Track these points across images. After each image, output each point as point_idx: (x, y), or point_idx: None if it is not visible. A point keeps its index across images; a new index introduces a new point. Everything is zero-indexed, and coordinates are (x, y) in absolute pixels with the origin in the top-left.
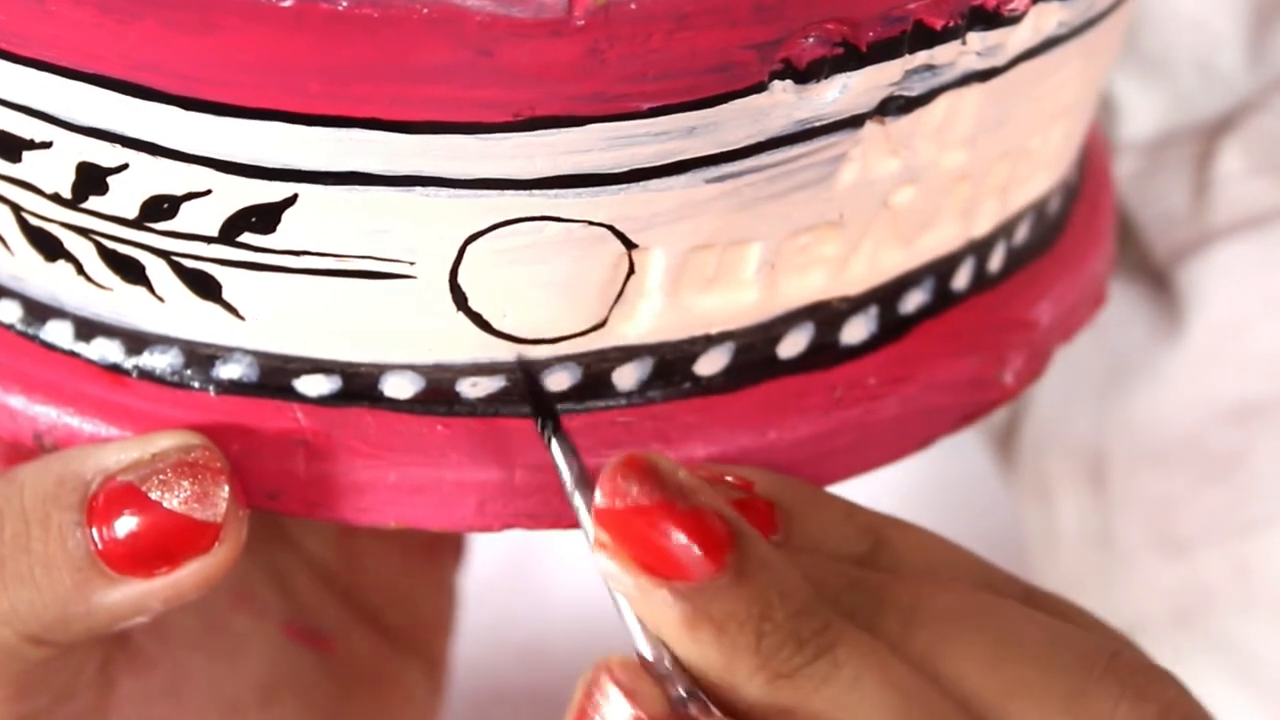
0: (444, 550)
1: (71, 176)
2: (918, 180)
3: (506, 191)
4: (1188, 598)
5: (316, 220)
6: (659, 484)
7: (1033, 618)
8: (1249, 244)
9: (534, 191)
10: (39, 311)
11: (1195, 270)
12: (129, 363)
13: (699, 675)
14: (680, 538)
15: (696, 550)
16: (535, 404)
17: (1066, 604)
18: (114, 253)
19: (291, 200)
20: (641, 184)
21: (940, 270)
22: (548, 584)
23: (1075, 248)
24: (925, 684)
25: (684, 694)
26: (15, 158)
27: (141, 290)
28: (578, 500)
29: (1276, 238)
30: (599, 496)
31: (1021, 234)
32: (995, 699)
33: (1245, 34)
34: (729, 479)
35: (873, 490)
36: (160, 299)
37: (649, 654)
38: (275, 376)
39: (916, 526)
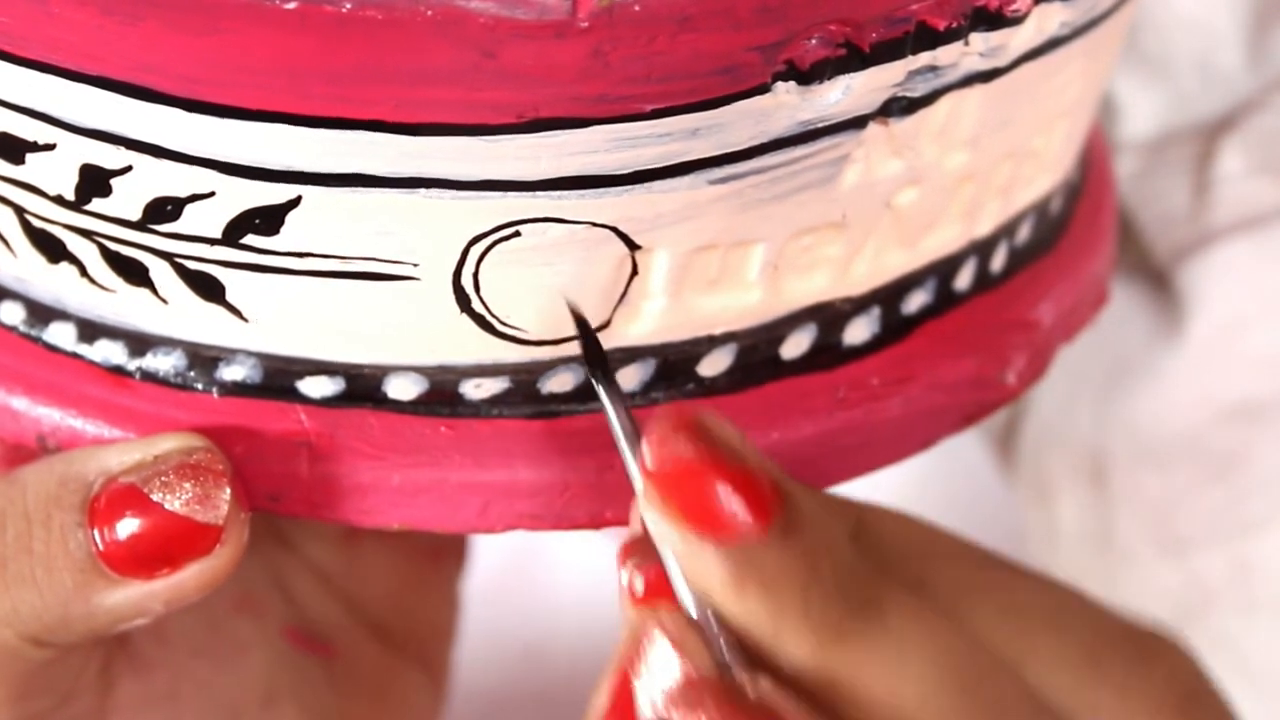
0: (446, 556)
1: (74, 178)
2: (921, 181)
3: (510, 193)
4: (1188, 598)
5: (320, 222)
6: (709, 441)
7: (1038, 585)
8: (1249, 244)
9: (538, 193)
10: (42, 313)
11: (1195, 270)
12: (132, 364)
13: (744, 635)
14: (729, 496)
15: (745, 509)
16: (588, 355)
17: (1055, 580)
18: (117, 254)
19: (295, 202)
20: (645, 185)
21: (943, 271)
22: (548, 586)
23: (1077, 248)
24: (974, 644)
25: (728, 652)
26: (18, 160)
27: (145, 292)
28: (627, 453)
29: (1276, 237)
30: (648, 452)
31: (1023, 234)
32: (1010, 659)
33: (1245, 34)
34: None
35: (873, 491)
36: (163, 301)
37: (694, 613)
38: (278, 378)
39: (891, 510)
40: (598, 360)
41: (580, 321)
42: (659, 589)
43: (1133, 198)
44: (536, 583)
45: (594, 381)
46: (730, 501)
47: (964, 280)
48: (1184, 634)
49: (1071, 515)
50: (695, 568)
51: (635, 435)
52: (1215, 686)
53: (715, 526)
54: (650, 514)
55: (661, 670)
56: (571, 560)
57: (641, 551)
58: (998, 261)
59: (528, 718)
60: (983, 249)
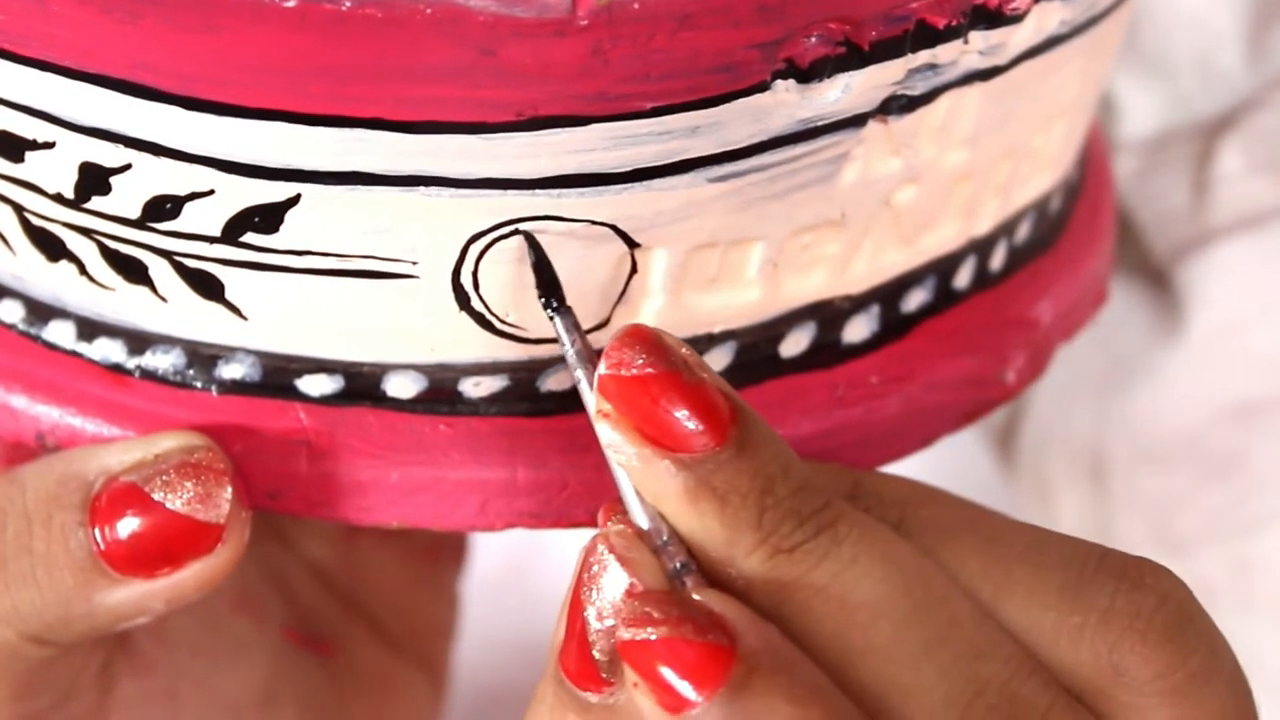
0: (445, 555)
1: (74, 176)
2: (919, 179)
3: (509, 191)
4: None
5: (319, 220)
6: (664, 355)
7: (1020, 524)
8: (1249, 243)
9: (537, 191)
10: (41, 311)
11: (1195, 269)
12: (131, 363)
13: (697, 549)
14: (683, 410)
15: (699, 423)
16: (540, 280)
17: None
18: (116, 253)
19: (294, 200)
20: (644, 183)
21: (942, 269)
22: (548, 586)
23: (1076, 246)
24: (927, 564)
25: (679, 566)
26: (18, 158)
27: (144, 290)
28: (579, 375)
29: (1276, 237)
30: (603, 364)
31: (1023, 233)
32: (986, 601)
33: (1245, 33)
34: None
35: None
36: (163, 299)
37: (646, 525)
38: (278, 376)
39: (890, 474)
40: (550, 287)
41: (534, 247)
42: None
43: (1132, 197)
44: (536, 583)
45: (545, 307)
46: (685, 415)
47: (963, 279)
48: None
49: (1071, 515)
50: (649, 481)
51: (590, 359)
52: (1206, 614)
53: (670, 438)
54: (603, 425)
55: (609, 587)
56: (571, 560)
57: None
58: (997, 260)
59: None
60: (982, 247)
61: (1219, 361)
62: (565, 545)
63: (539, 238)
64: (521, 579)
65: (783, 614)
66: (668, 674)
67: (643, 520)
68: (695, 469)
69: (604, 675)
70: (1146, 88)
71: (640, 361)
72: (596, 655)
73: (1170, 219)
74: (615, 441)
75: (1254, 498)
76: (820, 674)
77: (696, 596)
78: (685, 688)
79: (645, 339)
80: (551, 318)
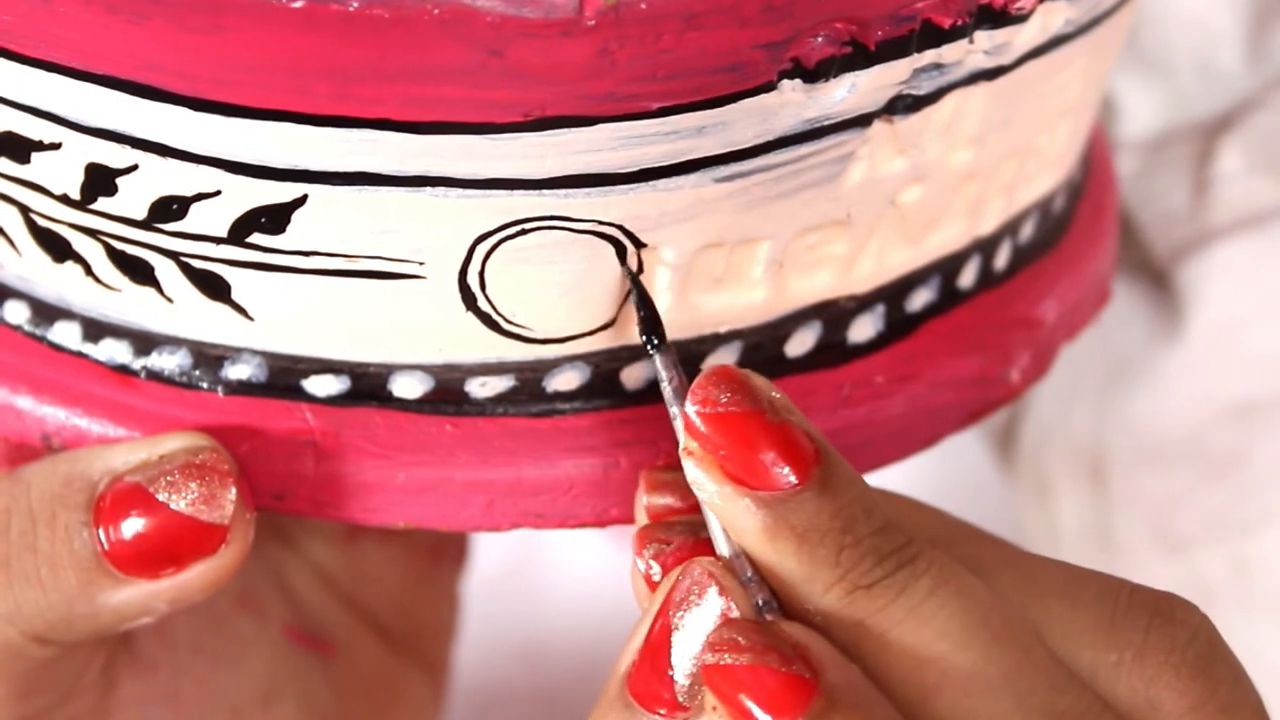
0: (446, 556)
1: (80, 177)
2: (925, 179)
3: (516, 191)
4: (1187, 597)
5: (326, 221)
6: (750, 395)
7: (1053, 562)
8: (1248, 243)
9: (544, 191)
10: (47, 312)
11: (1195, 269)
12: (137, 363)
13: (777, 585)
14: (767, 449)
15: (782, 461)
16: (642, 318)
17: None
18: (123, 254)
19: (301, 201)
20: (651, 183)
21: (947, 269)
22: (548, 586)
23: (1080, 246)
24: (1003, 600)
25: (761, 603)
26: (24, 159)
27: (150, 291)
28: (675, 412)
29: (1276, 236)
30: (689, 403)
31: (1027, 232)
32: None
33: (1245, 33)
34: None
35: None
36: (169, 300)
37: (729, 556)
38: (284, 377)
39: (892, 493)
40: (652, 323)
41: (636, 281)
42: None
43: (1132, 197)
44: (536, 583)
45: (645, 343)
46: (768, 454)
47: (968, 278)
48: None
49: (1071, 514)
50: (730, 516)
51: (685, 397)
52: (1228, 646)
53: (752, 476)
54: (688, 462)
55: (701, 612)
56: (571, 560)
57: (658, 536)
58: (1001, 259)
59: (528, 717)
60: (986, 247)
61: (1219, 361)
62: (565, 546)
63: (546, 236)
64: (521, 580)
65: (861, 649)
66: (749, 701)
67: (726, 551)
68: (775, 507)
69: (681, 699)
70: (1146, 88)
71: (725, 400)
72: (677, 679)
73: (1170, 219)
74: (699, 479)
75: (1254, 497)
76: (897, 715)
77: (784, 628)
78: (765, 716)
79: (731, 378)
80: (651, 354)
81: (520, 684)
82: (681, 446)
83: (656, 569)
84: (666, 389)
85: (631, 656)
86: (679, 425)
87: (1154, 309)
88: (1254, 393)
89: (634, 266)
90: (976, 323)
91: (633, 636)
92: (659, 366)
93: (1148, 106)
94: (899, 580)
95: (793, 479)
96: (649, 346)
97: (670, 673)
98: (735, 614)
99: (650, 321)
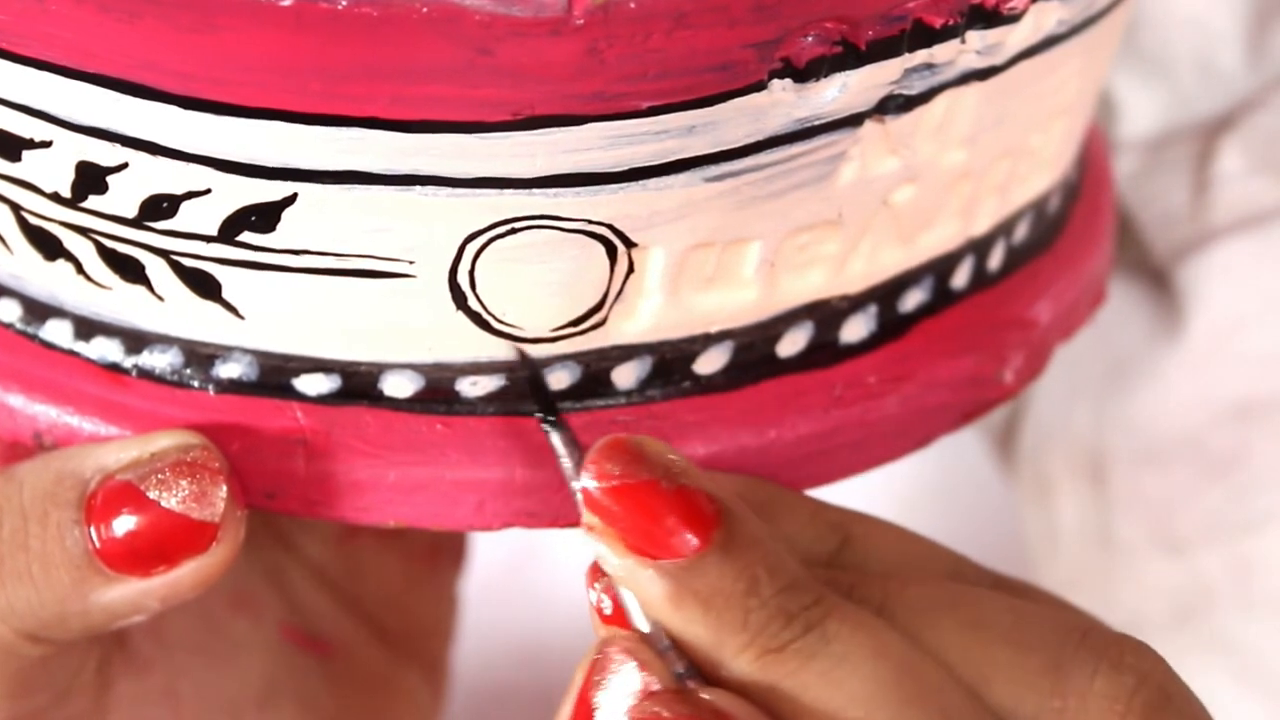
0: (444, 556)
1: (71, 176)
2: (917, 179)
3: (506, 190)
4: (1188, 597)
5: (316, 219)
6: (644, 464)
7: (1001, 601)
8: (1248, 243)
9: (533, 190)
10: (38, 310)
11: (1195, 269)
12: (128, 362)
13: (689, 651)
14: (664, 514)
15: (680, 527)
16: (536, 397)
17: (1038, 590)
18: (113, 252)
19: (291, 199)
20: (641, 183)
21: (940, 269)
22: (547, 585)
23: (1075, 246)
24: (918, 654)
25: (681, 671)
26: (15, 157)
27: (141, 289)
28: (576, 488)
29: (1276, 236)
30: (585, 478)
31: (1021, 233)
32: (971, 681)
33: (1245, 32)
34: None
35: (872, 490)
36: (160, 298)
37: (644, 629)
38: (275, 375)
39: (883, 521)
40: (547, 404)
41: (529, 366)
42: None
43: (1132, 197)
44: (536, 583)
45: (542, 423)
46: (667, 520)
47: (961, 278)
48: (1183, 633)
49: (1071, 515)
50: (635, 585)
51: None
52: (1186, 689)
53: (654, 545)
54: (590, 537)
55: (620, 685)
56: (568, 560)
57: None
58: (995, 260)
59: (527, 717)
60: (980, 247)
61: (1219, 361)
62: (565, 547)
63: (536, 236)
64: (521, 580)
65: (779, 712)
66: None
67: (641, 623)
68: (678, 575)
69: None
70: (1146, 88)
71: (618, 472)
72: None
73: (1170, 219)
74: (602, 553)
75: (1254, 498)
76: None
77: (704, 695)
78: None
79: (623, 450)
80: (548, 432)
81: (520, 684)
82: (583, 522)
83: (607, 601)
84: (565, 465)
85: None
86: (579, 500)
87: (1154, 309)
88: (1254, 393)
89: (625, 266)
90: (970, 323)
91: (558, 715)
92: (555, 444)
93: (1148, 106)
94: (809, 643)
95: (694, 543)
96: (543, 425)
97: None
98: (656, 687)
99: (542, 400)
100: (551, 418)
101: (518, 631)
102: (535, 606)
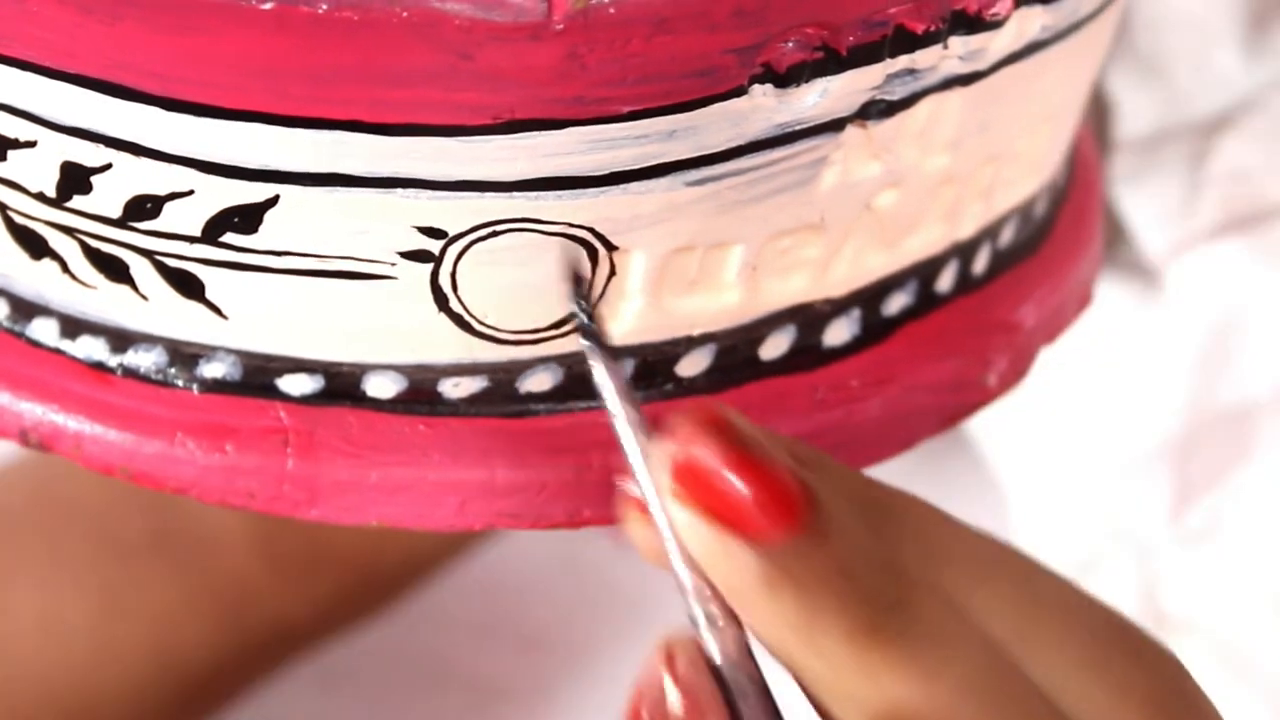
0: None
1: (56, 175)
2: (900, 183)
3: (487, 193)
4: (1188, 597)
5: (298, 221)
6: (738, 439)
7: (1051, 573)
8: (1245, 243)
9: (514, 194)
10: (25, 309)
11: (1191, 269)
12: (114, 360)
13: (777, 637)
14: (760, 495)
15: (776, 508)
16: (587, 334)
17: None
18: (98, 251)
19: (273, 201)
20: (622, 186)
21: (924, 272)
22: (548, 586)
23: (1061, 250)
24: (995, 644)
25: (717, 622)
26: (0, 156)
27: (125, 289)
28: (634, 450)
29: (1272, 236)
30: (676, 449)
31: (1006, 236)
32: (1015, 649)
33: (1241, 32)
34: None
35: None
36: (144, 298)
37: (703, 623)
38: (258, 375)
39: (915, 497)
40: (596, 337)
41: (584, 308)
42: None
43: (1128, 196)
44: (536, 583)
45: (591, 361)
46: (761, 501)
47: (945, 282)
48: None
49: (1067, 516)
50: (724, 562)
51: (644, 427)
52: (1206, 696)
53: (747, 526)
54: (678, 511)
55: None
56: (571, 559)
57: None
58: (980, 263)
59: (527, 715)
60: (964, 251)
61: (1217, 361)
62: (565, 542)
63: (517, 238)
64: (521, 579)
65: (870, 699)
66: None
67: (685, 579)
68: (774, 556)
69: None
70: (1143, 87)
71: (713, 444)
72: None
73: (1166, 219)
74: (687, 523)
75: (1252, 498)
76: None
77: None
78: None
79: (717, 421)
80: (594, 363)
81: (520, 684)
82: (667, 489)
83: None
84: (619, 407)
85: None
86: (641, 468)
87: (1149, 309)
88: (1252, 393)
89: (606, 269)
90: (954, 327)
91: None
92: (604, 379)
93: (1144, 106)
94: (903, 625)
95: (788, 526)
96: (591, 352)
97: None
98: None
99: (591, 329)
100: (601, 344)
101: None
102: (535, 607)
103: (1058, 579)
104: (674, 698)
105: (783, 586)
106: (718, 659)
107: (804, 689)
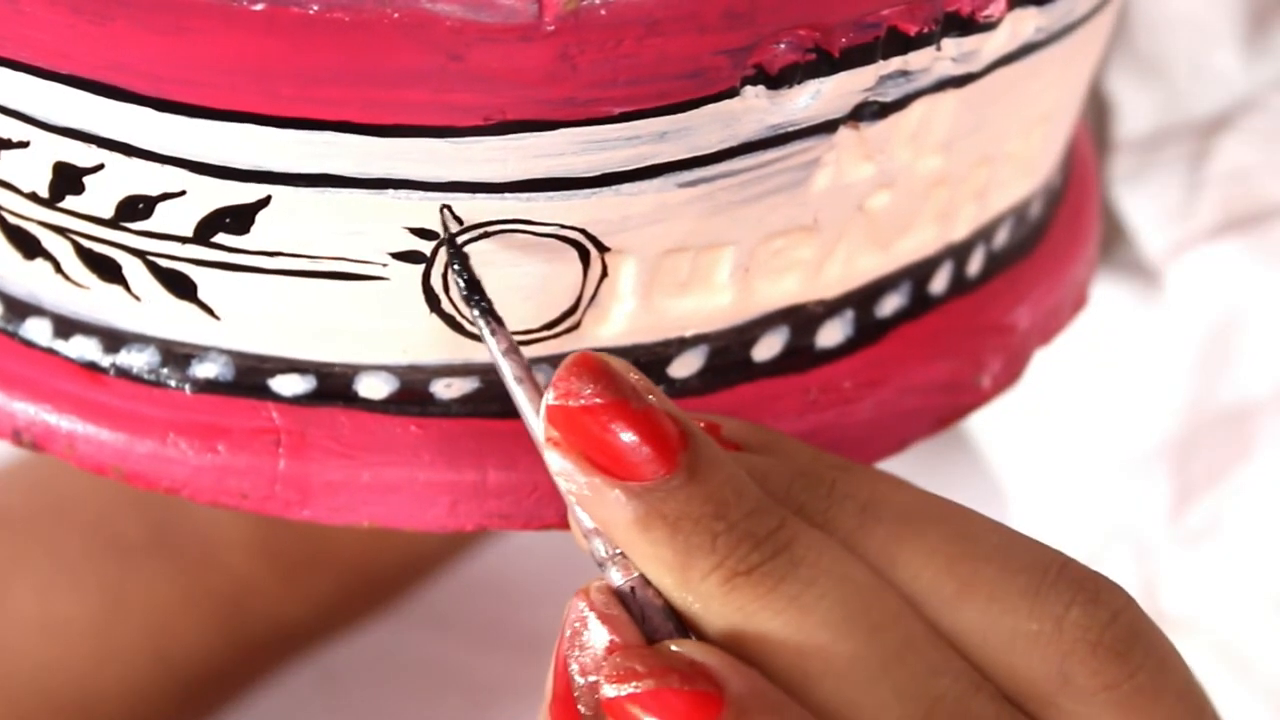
0: None
1: (48, 176)
2: (893, 185)
3: (478, 195)
4: (1188, 596)
5: (290, 221)
6: (614, 383)
7: (987, 521)
8: (1244, 243)
9: (506, 195)
10: (18, 309)
11: (1191, 269)
12: (106, 361)
13: (653, 577)
14: (634, 437)
15: (649, 450)
16: (470, 289)
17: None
18: (91, 252)
19: (265, 202)
20: (614, 188)
21: (917, 274)
22: (548, 586)
23: (1056, 252)
24: (881, 583)
25: (656, 619)
26: None
27: (118, 289)
28: (517, 394)
29: (1272, 236)
30: (552, 394)
31: (1001, 238)
32: (949, 597)
33: (1241, 32)
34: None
35: None
36: (137, 298)
37: (601, 551)
38: (250, 376)
39: (883, 472)
40: (478, 296)
41: (458, 257)
42: None
43: (1128, 197)
44: (536, 582)
45: (476, 320)
46: (635, 442)
47: (939, 284)
48: (1184, 633)
49: (1065, 512)
50: (601, 508)
51: (532, 381)
52: (1158, 631)
53: (619, 466)
54: (553, 455)
55: (591, 643)
56: (571, 559)
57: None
58: (974, 265)
59: (527, 716)
60: (959, 253)
61: (1216, 361)
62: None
63: (509, 240)
64: (521, 579)
65: (743, 637)
66: None
67: (600, 551)
68: (645, 497)
69: None
70: (1142, 87)
71: (589, 391)
72: (582, 711)
73: (1166, 218)
74: (566, 469)
75: (1252, 498)
76: (808, 715)
77: (675, 648)
78: None
79: (593, 367)
80: (483, 325)
81: (520, 684)
82: (543, 436)
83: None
84: (507, 371)
85: (546, 699)
86: (529, 413)
87: (1149, 309)
88: (1252, 393)
89: (598, 270)
90: (948, 328)
91: (547, 680)
92: (492, 348)
93: (1143, 106)
94: (778, 566)
95: (660, 467)
96: (476, 319)
97: (580, 710)
98: (620, 643)
99: (474, 289)
100: (484, 312)
101: (518, 631)
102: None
103: (992, 522)
104: (594, 626)
105: (655, 526)
106: (620, 583)
107: (693, 630)
